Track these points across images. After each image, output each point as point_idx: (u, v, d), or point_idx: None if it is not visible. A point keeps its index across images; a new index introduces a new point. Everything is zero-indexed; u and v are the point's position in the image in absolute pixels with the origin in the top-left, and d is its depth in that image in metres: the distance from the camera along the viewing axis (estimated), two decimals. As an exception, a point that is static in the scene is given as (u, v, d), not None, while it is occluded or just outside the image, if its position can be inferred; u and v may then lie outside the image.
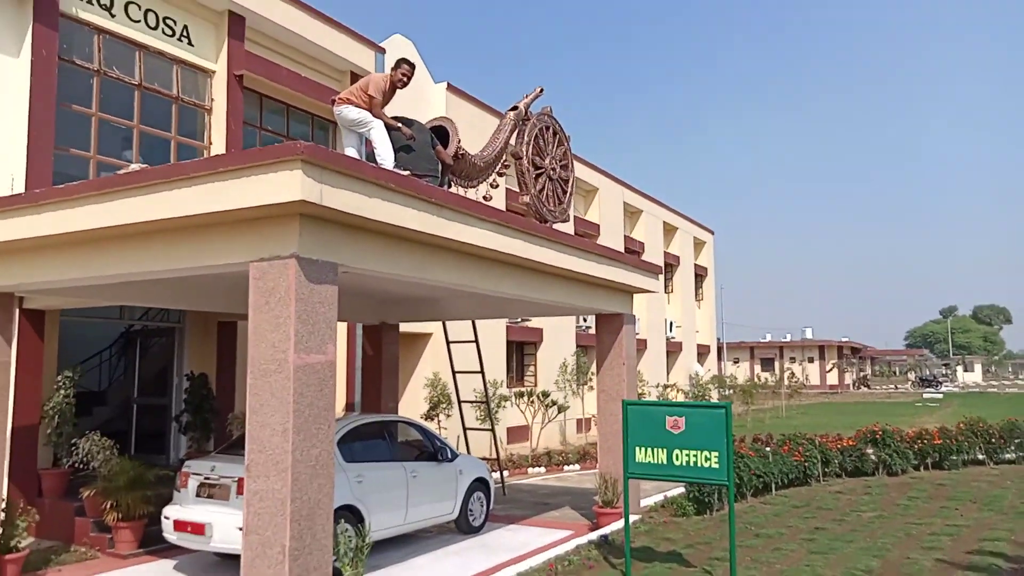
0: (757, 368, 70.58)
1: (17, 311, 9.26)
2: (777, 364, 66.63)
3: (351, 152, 6.92)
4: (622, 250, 26.19)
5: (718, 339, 55.96)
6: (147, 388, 13.26)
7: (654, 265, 10.82)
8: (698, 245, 35.07)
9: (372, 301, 11.12)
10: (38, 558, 7.93)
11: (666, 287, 31.20)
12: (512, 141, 8.69)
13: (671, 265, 31.61)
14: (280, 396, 5.10)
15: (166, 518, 7.52)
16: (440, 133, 7.74)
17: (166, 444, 12.07)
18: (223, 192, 5.19)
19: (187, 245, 5.74)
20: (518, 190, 8.77)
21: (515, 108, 8.80)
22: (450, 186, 7.78)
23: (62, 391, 9.42)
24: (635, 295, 10.98)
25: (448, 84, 18.15)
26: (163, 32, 11.94)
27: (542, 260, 7.84)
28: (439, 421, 14.74)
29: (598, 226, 25.01)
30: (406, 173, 6.16)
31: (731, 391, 30.81)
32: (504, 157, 8.61)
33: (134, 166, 6.23)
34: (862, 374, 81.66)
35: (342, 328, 14.26)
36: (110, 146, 11.33)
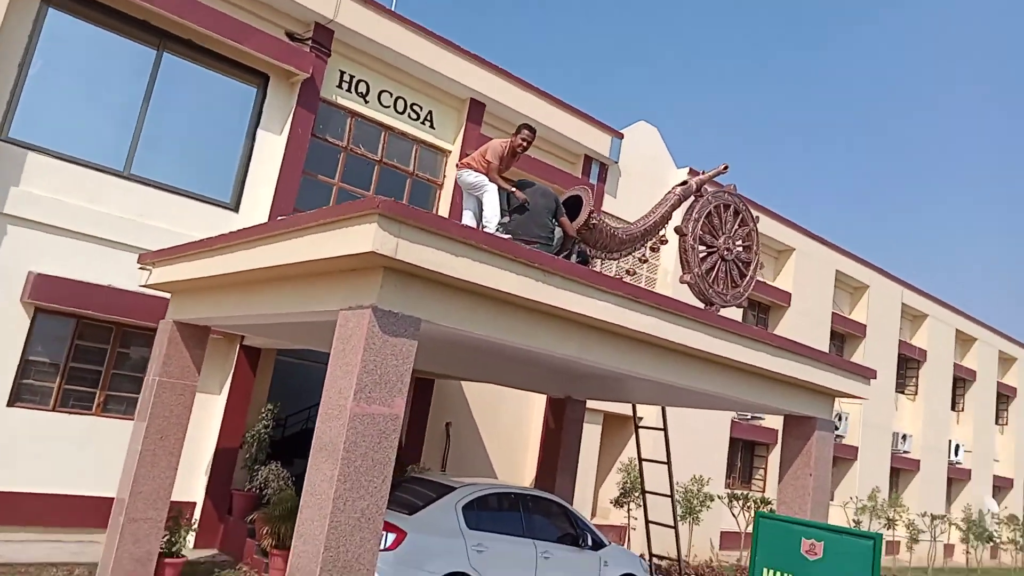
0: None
1: (237, 347, 10.72)
2: None
3: (467, 215, 7.04)
4: (895, 356, 23.36)
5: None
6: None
7: (859, 366, 9.36)
8: (1006, 361, 29.87)
9: (553, 374, 11.00)
10: (202, 569, 8.84)
11: (953, 404, 26.93)
12: (676, 217, 8.22)
13: (963, 379, 27.27)
14: (335, 442, 5.21)
15: None
16: (575, 203, 7.57)
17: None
18: (321, 243, 5.57)
19: (301, 291, 6.23)
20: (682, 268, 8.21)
21: (684, 183, 8.36)
22: (584, 258, 7.51)
23: (263, 421, 10.55)
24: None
25: (690, 169, 17.82)
26: (409, 116, 13.34)
27: (683, 342, 7.16)
28: (629, 510, 13.96)
29: (864, 327, 22.45)
30: (507, 236, 6.09)
31: (1021, 534, 25.30)
32: (661, 232, 8.14)
33: (282, 218, 6.92)
34: None
35: (540, 400, 14.23)
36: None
